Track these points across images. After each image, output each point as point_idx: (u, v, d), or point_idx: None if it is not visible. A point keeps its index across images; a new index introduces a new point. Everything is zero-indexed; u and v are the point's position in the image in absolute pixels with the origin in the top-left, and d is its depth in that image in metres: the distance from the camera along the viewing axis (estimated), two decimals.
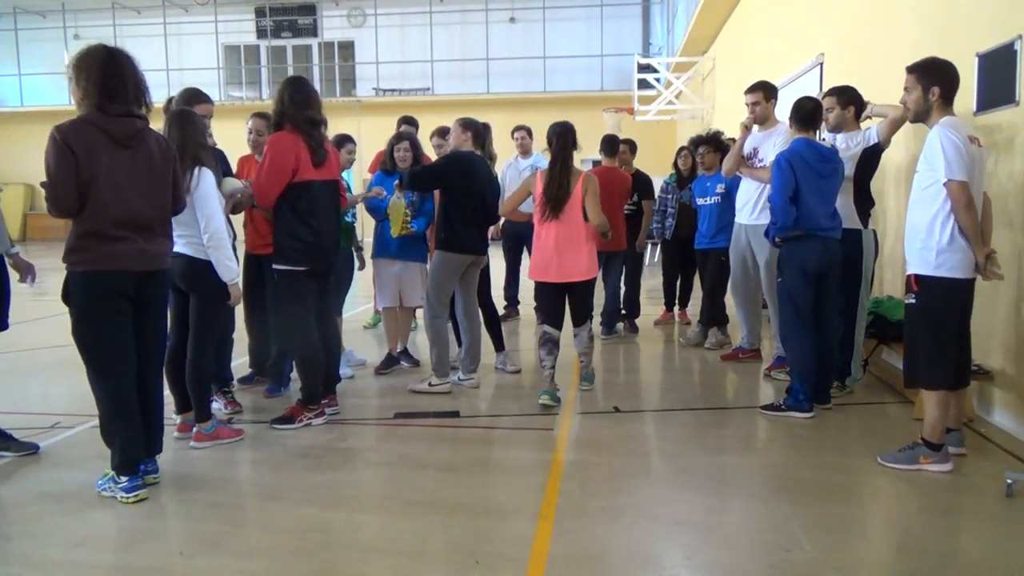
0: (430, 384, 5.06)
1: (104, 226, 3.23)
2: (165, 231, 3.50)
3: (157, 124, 3.62)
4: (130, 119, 3.30)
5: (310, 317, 4.35)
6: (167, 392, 3.93)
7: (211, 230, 3.89)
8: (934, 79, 3.56)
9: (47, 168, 3.18)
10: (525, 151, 7.48)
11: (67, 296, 3.30)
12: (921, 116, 3.64)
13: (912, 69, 3.65)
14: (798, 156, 4.43)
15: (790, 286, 4.49)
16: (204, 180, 3.88)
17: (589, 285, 4.83)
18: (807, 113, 4.55)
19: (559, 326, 4.82)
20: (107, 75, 3.23)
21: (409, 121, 6.64)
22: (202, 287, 4.00)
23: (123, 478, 3.34)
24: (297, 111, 4.19)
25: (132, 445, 3.38)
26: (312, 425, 4.34)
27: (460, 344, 5.77)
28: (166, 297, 3.65)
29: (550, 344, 4.79)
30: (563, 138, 4.67)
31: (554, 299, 4.81)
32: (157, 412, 3.56)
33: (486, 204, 5.12)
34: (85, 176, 3.17)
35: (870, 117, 4.81)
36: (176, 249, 3.96)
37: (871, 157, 4.75)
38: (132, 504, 3.33)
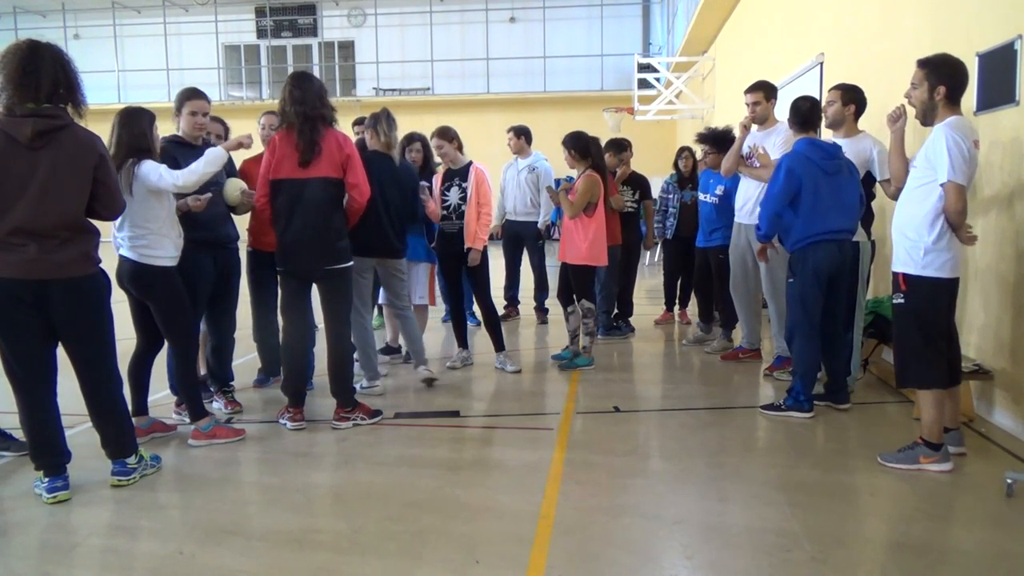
0: (360, 387, 4.93)
1: None
2: (75, 237, 3.24)
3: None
4: (39, 119, 3.11)
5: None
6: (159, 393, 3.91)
7: (178, 182, 3.77)
8: (941, 77, 3.51)
9: None
10: (516, 152, 7.42)
11: None
12: (927, 114, 3.58)
13: (922, 64, 3.59)
14: (803, 158, 4.37)
15: (801, 288, 4.42)
16: (141, 167, 3.74)
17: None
18: (805, 113, 4.53)
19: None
20: (24, 71, 3.09)
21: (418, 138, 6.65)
22: (153, 294, 3.93)
23: (45, 479, 3.36)
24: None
25: (35, 448, 3.38)
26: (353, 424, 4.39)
27: (463, 345, 5.80)
28: (92, 304, 3.34)
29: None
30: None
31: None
32: (112, 417, 3.50)
33: (386, 204, 4.80)
34: None
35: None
36: (122, 253, 3.90)
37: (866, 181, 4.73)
38: (132, 503, 3.34)
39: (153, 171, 3.77)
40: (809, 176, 4.35)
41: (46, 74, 3.13)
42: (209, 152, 3.95)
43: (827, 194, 4.35)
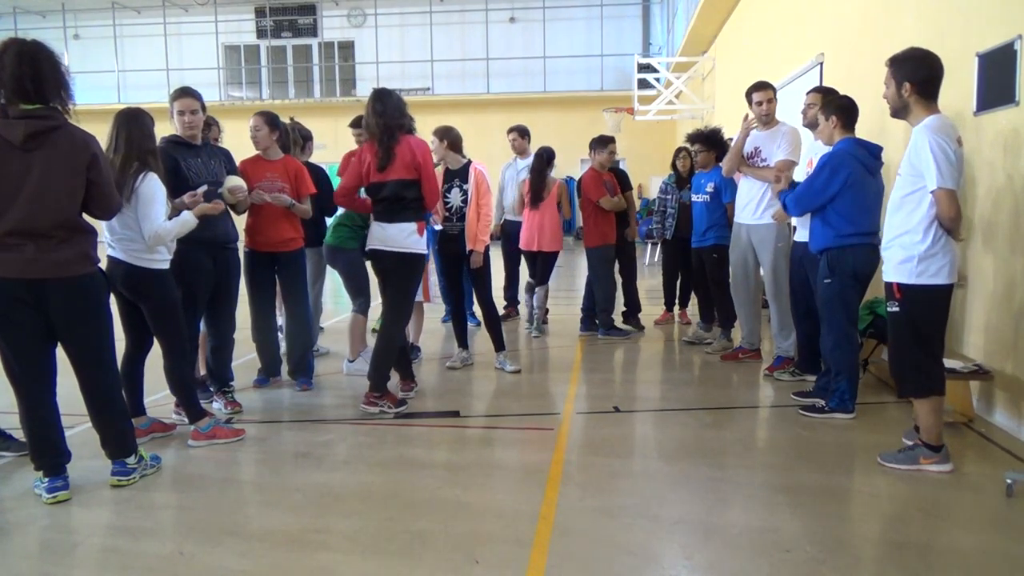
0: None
1: None
2: (71, 237, 3.23)
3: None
4: (31, 120, 3.10)
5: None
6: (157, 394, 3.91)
7: (148, 233, 3.73)
8: (906, 74, 3.42)
9: None
10: (519, 152, 7.44)
11: None
12: (900, 113, 3.53)
13: (889, 62, 3.51)
14: (850, 156, 4.24)
15: (841, 288, 4.30)
16: (146, 182, 3.72)
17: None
18: (852, 112, 4.38)
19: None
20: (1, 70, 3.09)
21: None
22: (147, 296, 3.92)
23: (45, 479, 3.36)
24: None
25: (35, 448, 3.38)
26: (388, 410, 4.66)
27: (463, 345, 5.81)
28: (90, 303, 3.35)
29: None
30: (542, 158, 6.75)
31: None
32: (112, 416, 3.51)
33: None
34: None
35: None
36: (114, 254, 3.87)
37: None
38: (132, 503, 3.34)
39: (153, 204, 3.73)
40: (857, 176, 4.23)
41: (7, 71, 3.08)
42: (185, 215, 3.98)
43: (872, 194, 4.29)
